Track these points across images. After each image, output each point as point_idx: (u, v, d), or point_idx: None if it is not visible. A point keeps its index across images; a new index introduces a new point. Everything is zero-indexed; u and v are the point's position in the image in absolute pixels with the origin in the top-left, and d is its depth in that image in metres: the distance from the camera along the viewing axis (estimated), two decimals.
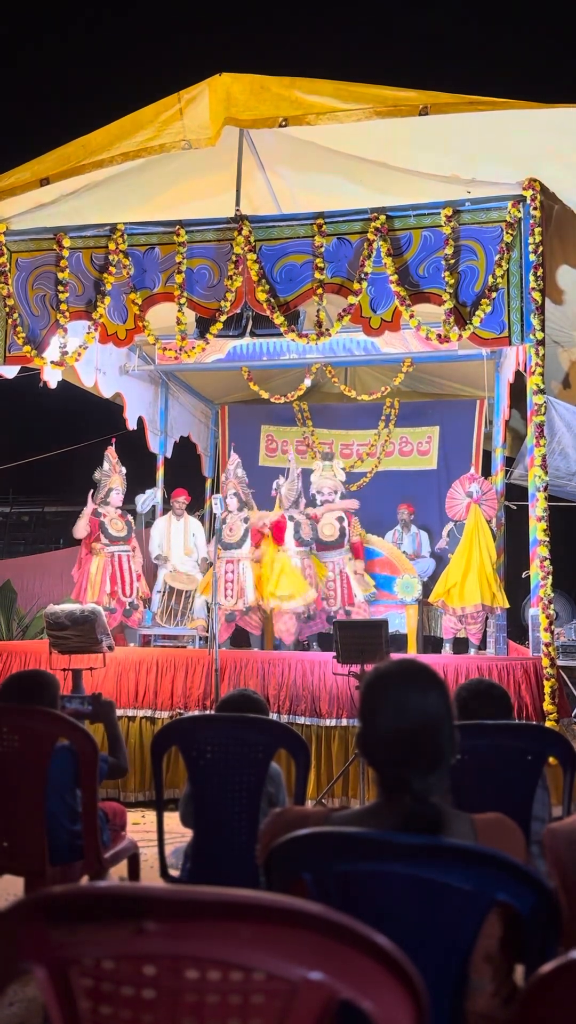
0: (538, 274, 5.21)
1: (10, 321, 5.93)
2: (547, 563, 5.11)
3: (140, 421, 8.52)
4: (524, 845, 1.52)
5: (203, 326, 5.82)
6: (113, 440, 7.66)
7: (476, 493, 7.09)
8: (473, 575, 6.78)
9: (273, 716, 5.16)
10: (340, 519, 7.26)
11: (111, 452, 7.45)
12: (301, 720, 5.32)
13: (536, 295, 5.20)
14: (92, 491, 7.38)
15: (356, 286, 5.44)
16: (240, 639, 7.14)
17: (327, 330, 5.62)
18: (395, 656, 4.58)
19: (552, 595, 5.16)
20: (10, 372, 6.32)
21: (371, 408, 9.34)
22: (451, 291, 5.32)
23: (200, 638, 7.16)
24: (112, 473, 7.38)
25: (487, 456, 8.92)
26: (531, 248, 5.22)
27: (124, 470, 7.49)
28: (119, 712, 5.53)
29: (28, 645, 6.45)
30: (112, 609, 6.97)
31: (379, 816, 1.46)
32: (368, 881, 1.34)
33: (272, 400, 8.86)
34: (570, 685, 5.46)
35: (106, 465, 7.41)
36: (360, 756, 1.57)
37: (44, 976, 0.98)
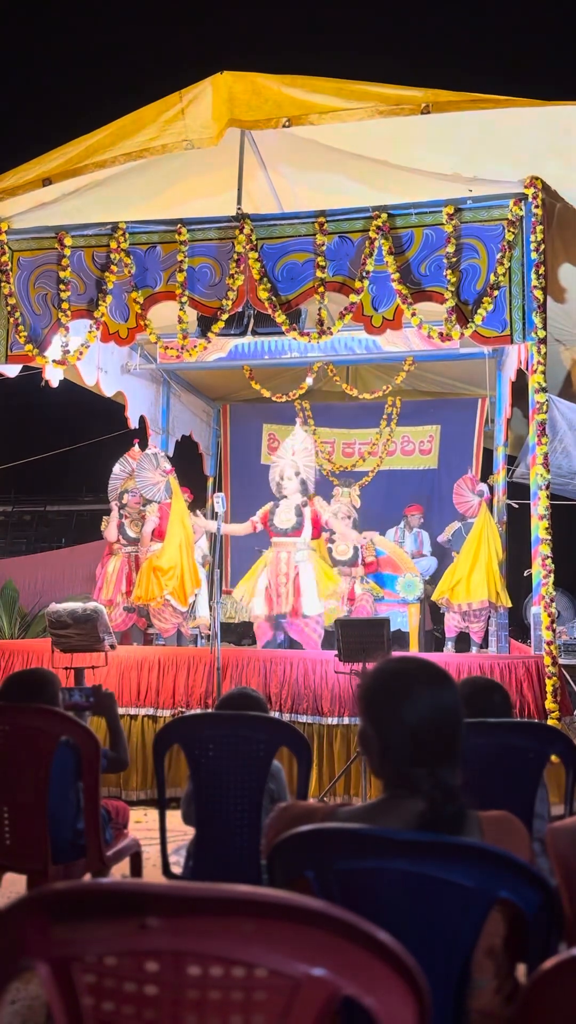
0: (540, 272, 5.20)
1: (12, 320, 5.93)
2: (549, 561, 5.10)
3: (142, 420, 8.52)
4: (529, 843, 1.52)
5: (204, 325, 5.82)
6: (136, 442, 7.68)
7: (486, 492, 7.13)
8: (480, 572, 6.78)
9: (275, 715, 5.16)
10: (355, 548, 7.24)
11: (131, 454, 7.44)
12: (303, 719, 5.31)
13: (538, 293, 5.20)
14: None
15: (358, 284, 5.43)
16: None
17: (328, 328, 5.62)
18: (397, 654, 4.58)
19: (554, 593, 5.16)
20: (12, 371, 6.32)
21: (373, 407, 9.34)
22: (453, 289, 5.32)
23: (202, 636, 7.17)
24: (124, 475, 7.40)
25: (488, 455, 8.91)
26: (533, 246, 5.22)
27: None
28: (121, 711, 5.57)
29: (30, 644, 6.45)
30: (130, 608, 6.98)
31: (388, 813, 1.46)
32: (371, 878, 1.34)
33: (274, 399, 8.86)
34: (572, 683, 5.46)
35: (118, 468, 7.43)
36: (367, 755, 1.56)
37: (47, 973, 0.98)
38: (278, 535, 6.64)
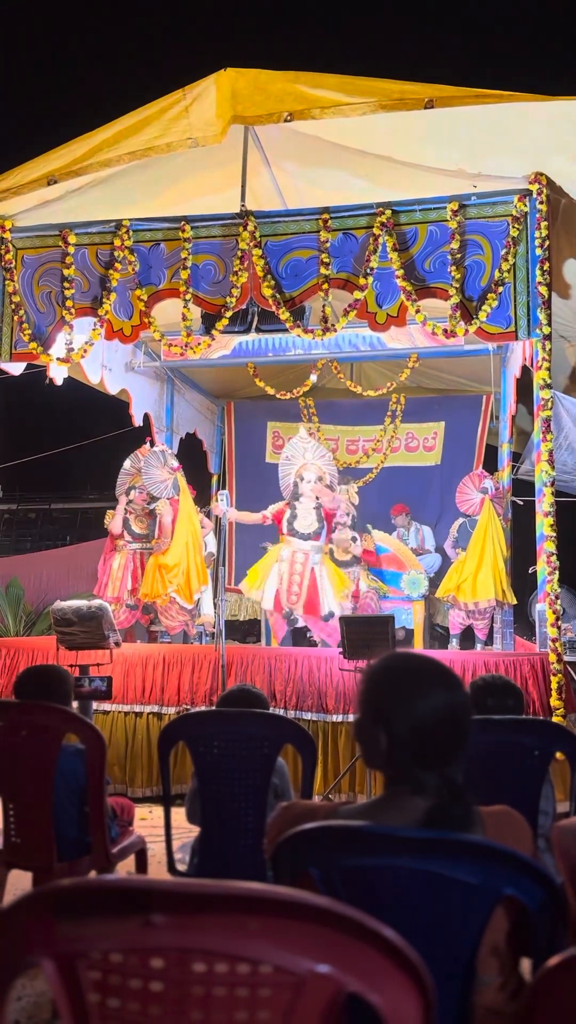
0: (544, 268, 5.19)
1: (16, 318, 5.93)
2: (554, 558, 5.10)
3: (146, 418, 8.53)
4: (531, 838, 1.52)
5: (209, 322, 5.82)
6: (148, 440, 7.67)
7: (490, 489, 7.09)
8: (486, 570, 6.77)
9: (279, 712, 5.17)
10: (354, 538, 7.22)
11: (142, 451, 7.44)
12: (308, 716, 5.31)
13: (542, 289, 5.19)
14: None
15: (362, 281, 5.43)
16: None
17: (333, 325, 5.61)
18: (400, 651, 4.58)
19: (559, 590, 5.15)
20: (16, 369, 6.33)
21: (377, 404, 9.32)
22: (457, 286, 5.30)
23: (207, 634, 7.18)
24: (133, 471, 7.39)
25: (493, 451, 8.90)
26: (537, 242, 5.20)
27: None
28: (127, 708, 5.58)
29: (35, 641, 6.47)
30: (133, 606, 6.97)
31: (391, 810, 1.45)
32: (375, 875, 1.34)
33: (278, 396, 8.86)
34: None
35: (128, 463, 7.42)
36: (365, 750, 1.54)
37: (52, 969, 0.98)
38: (298, 538, 6.61)
